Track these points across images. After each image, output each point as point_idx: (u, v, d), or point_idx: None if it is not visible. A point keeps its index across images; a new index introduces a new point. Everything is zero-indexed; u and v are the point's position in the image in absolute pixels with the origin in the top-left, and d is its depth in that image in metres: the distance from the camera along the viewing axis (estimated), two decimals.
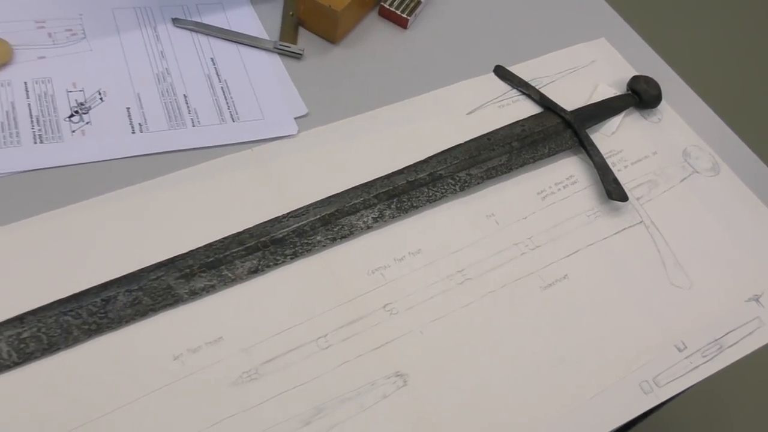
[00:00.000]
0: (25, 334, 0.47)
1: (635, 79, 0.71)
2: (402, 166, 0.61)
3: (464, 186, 0.61)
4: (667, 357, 0.56)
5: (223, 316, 0.51)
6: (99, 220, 0.54)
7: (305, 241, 0.55)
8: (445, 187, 0.60)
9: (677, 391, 0.54)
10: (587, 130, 0.67)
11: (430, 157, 0.62)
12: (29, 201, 0.53)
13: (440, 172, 0.61)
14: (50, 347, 0.47)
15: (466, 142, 0.64)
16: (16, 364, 0.46)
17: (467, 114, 0.67)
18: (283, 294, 0.53)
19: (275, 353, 0.50)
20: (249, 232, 0.55)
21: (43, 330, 0.47)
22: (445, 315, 0.54)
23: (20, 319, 0.47)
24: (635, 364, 0.55)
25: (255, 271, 0.53)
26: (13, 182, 0.54)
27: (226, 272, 0.52)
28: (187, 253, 0.52)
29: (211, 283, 0.52)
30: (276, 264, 0.54)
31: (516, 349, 0.54)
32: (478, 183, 0.61)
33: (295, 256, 0.54)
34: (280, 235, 0.55)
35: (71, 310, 0.48)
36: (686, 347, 0.56)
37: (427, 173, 0.61)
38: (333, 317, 0.52)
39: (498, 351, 0.53)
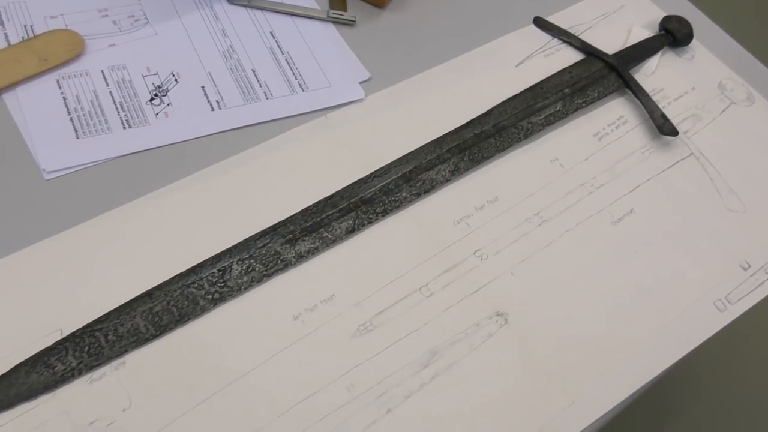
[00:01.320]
0: (156, 308, 0.50)
1: (667, 19, 0.75)
2: (466, 121, 0.64)
3: (527, 134, 0.64)
4: (734, 277, 0.60)
5: (332, 275, 0.54)
6: (198, 197, 0.56)
7: (392, 198, 0.58)
8: (510, 136, 0.64)
9: (748, 307, 0.59)
10: (630, 72, 0.70)
11: (491, 109, 0.65)
12: (127, 184, 0.55)
13: (503, 122, 0.64)
14: (181, 318, 0.50)
15: (521, 93, 0.67)
16: (154, 337, 0.49)
17: (516, 66, 0.70)
18: (382, 249, 0.56)
19: (385, 305, 0.53)
20: (339, 195, 0.57)
21: (171, 303, 0.50)
22: (530, 256, 0.58)
23: (149, 295, 0.50)
24: (707, 286, 0.59)
25: (352, 231, 0.56)
26: (110, 167, 0.56)
27: (326, 234, 0.55)
28: (286, 220, 0.55)
29: (315, 246, 0.55)
30: (370, 222, 0.57)
31: (598, 281, 0.57)
32: (539, 130, 0.64)
33: (385, 213, 0.57)
34: (369, 195, 0.58)
35: (193, 282, 0.51)
36: (750, 266, 0.61)
37: (491, 125, 0.64)
38: (430, 267, 0.56)
39: (582, 284, 0.57)
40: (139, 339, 0.48)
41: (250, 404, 0.48)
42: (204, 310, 0.50)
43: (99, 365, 0.47)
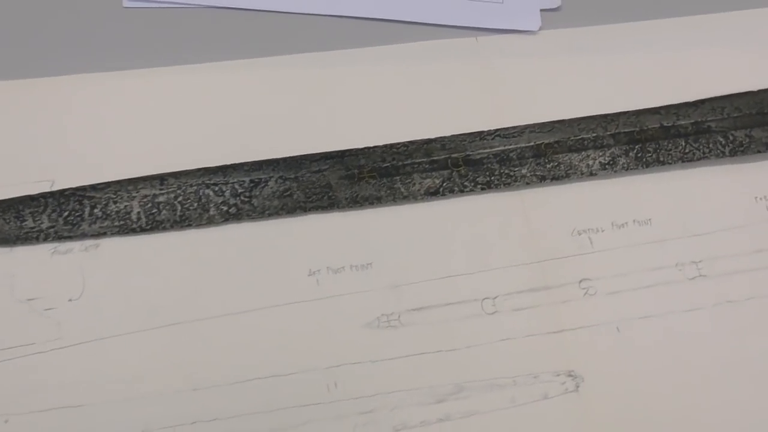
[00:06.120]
0: (160, 198, 0.41)
1: None
2: (659, 104, 0.46)
3: (737, 150, 0.45)
4: None
5: (380, 239, 0.42)
6: (271, 84, 0.45)
7: (506, 170, 0.43)
8: (711, 145, 0.45)
9: None
10: None
11: (703, 101, 0.46)
12: (203, 43, 0.46)
13: (710, 123, 0.45)
14: (181, 221, 0.41)
15: (761, 91, 0.47)
16: (142, 230, 0.40)
17: None
18: (459, 230, 0.42)
19: (427, 302, 0.40)
20: (441, 142, 0.44)
21: (180, 199, 0.41)
22: (657, 315, 0.41)
23: (161, 179, 0.41)
24: None
25: (434, 193, 0.43)
26: (196, 17, 0.47)
27: (399, 185, 0.43)
28: (361, 150, 0.43)
29: (378, 194, 0.42)
30: (461, 191, 0.43)
31: (750, 391, 0.39)
32: (759, 151, 0.45)
33: (487, 186, 0.43)
34: (478, 156, 0.44)
35: (215, 184, 0.41)
36: None
37: (692, 121, 0.45)
38: (511, 277, 0.41)
39: (719, 385, 0.39)
40: (125, 226, 0.40)
41: (207, 353, 0.38)
42: (210, 222, 0.41)
43: (70, 238, 0.40)
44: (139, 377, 0.38)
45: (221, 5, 0.47)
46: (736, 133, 0.45)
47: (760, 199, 0.44)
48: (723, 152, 0.45)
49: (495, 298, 0.41)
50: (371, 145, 0.43)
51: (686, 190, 0.44)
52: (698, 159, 0.45)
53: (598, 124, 0.45)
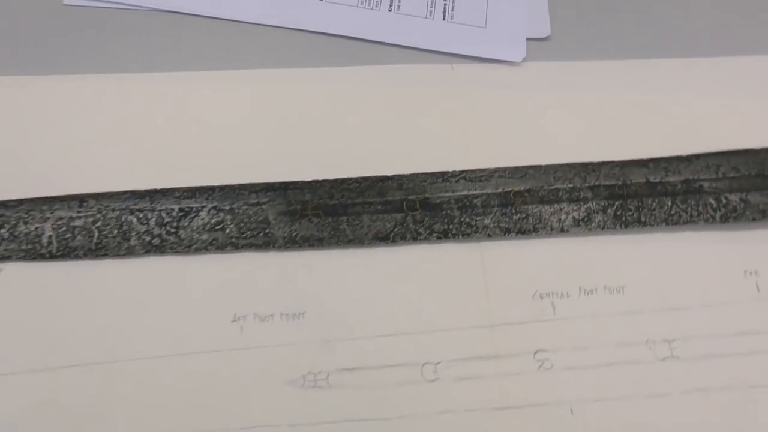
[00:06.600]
0: (77, 222, 0.37)
1: None
2: (648, 156, 0.41)
3: (729, 215, 0.40)
4: None
5: (317, 286, 0.37)
6: (221, 100, 0.41)
7: (467, 219, 0.39)
8: (700, 207, 0.40)
9: None
10: None
11: (697, 156, 0.41)
12: (150, 50, 0.42)
13: (702, 182, 0.40)
14: (97, 249, 0.37)
15: (762, 150, 0.42)
16: (52, 257, 0.36)
17: None
18: (406, 283, 0.38)
19: (361, 362, 0.36)
20: (398, 181, 0.39)
21: (98, 224, 0.37)
22: (618, 399, 0.36)
23: (80, 201, 0.37)
24: None
25: (383, 239, 0.38)
26: (142, 20, 0.43)
27: (345, 227, 0.38)
28: (307, 183, 0.39)
29: (320, 235, 0.38)
30: (414, 238, 0.38)
31: None
32: (755, 219, 0.40)
33: (444, 235, 0.39)
34: (438, 200, 0.39)
35: (140, 210, 0.37)
36: None
37: (682, 178, 0.40)
38: (459, 341, 0.37)
39: None
40: (33, 251, 0.36)
41: (106, 402, 0.34)
42: (130, 252, 0.37)
43: None
44: (22, 424, 0.34)
45: (165, 8, 0.43)
46: (730, 197, 0.40)
47: (750, 273, 0.40)
48: (713, 217, 0.40)
49: (437, 363, 0.36)
50: (319, 179, 0.39)
51: (667, 257, 0.39)
52: (685, 222, 0.40)
53: (576, 174, 0.40)
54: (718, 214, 0.40)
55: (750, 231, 0.40)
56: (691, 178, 0.40)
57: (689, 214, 0.40)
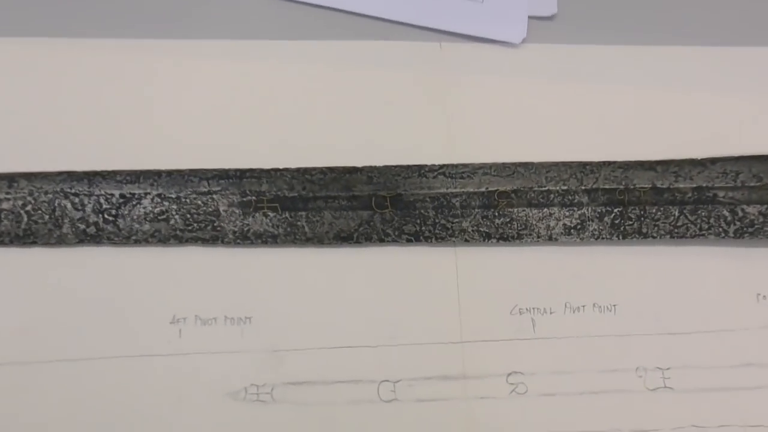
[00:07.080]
0: (4, 204, 0.33)
1: None
2: (655, 158, 0.36)
3: (745, 230, 0.35)
4: None
5: (267, 289, 0.33)
6: (179, 69, 0.37)
7: (443, 221, 0.35)
8: (712, 220, 0.35)
9: None
10: None
11: (713, 160, 0.36)
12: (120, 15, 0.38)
13: (717, 191, 0.35)
14: (25, 236, 0.33)
15: None
16: None
17: None
18: (368, 289, 0.34)
19: (310, 376, 0.32)
20: (368, 173, 0.35)
21: (28, 208, 0.33)
22: (599, 431, 0.32)
23: (10, 180, 0.34)
24: None
25: (345, 238, 0.34)
26: None
27: (304, 223, 0.34)
28: (265, 171, 0.35)
29: (275, 232, 0.34)
30: (381, 240, 0.34)
31: None
32: None
33: (415, 237, 0.34)
34: (412, 197, 0.35)
35: (76, 194, 0.33)
36: None
37: (694, 185, 0.35)
38: (422, 357, 0.33)
39: None
40: None
41: (28, 405, 0.31)
42: (62, 241, 0.33)
43: None
44: None
45: None
46: (747, 209, 0.35)
47: (764, 297, 0.35)
48: (726, 231, 0.35)
49: (396, 382, 0.32)
50: (279, 167, 0.35)
51: (668, 275, 0.35)
52: (692, 236, 0.35)
53: (572, 175, 0.36)
54: (732, 228, 0.35)
55: (763, 249, 0.35)
56: (704, 185, 0.35)
57: (698, 226, 0.35)
